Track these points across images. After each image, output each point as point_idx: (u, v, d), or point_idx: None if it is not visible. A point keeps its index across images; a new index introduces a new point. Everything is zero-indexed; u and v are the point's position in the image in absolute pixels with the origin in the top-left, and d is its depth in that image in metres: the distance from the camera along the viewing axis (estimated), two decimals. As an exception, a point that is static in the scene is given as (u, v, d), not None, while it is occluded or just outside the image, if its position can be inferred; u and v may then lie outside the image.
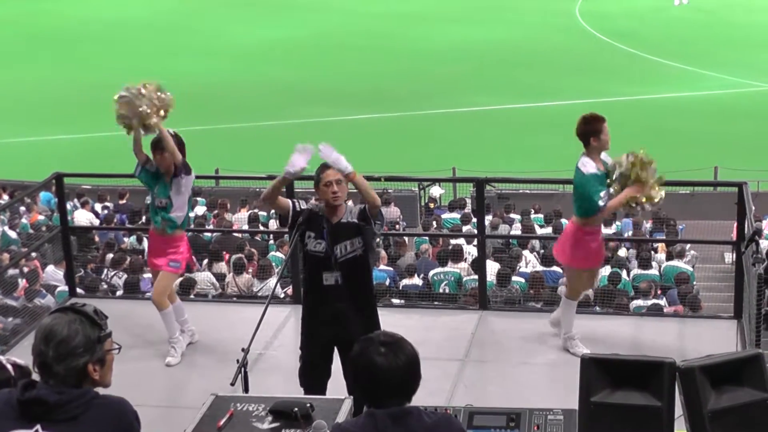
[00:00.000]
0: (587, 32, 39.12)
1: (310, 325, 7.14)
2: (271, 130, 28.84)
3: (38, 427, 3.74)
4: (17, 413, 3.77)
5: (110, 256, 15.07)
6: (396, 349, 4.03)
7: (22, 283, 13.32)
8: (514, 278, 13.63)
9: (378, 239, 7.08)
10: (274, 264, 14.44)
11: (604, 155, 8.38)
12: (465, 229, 16.61)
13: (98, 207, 19.06)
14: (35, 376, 3.90)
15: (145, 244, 16.10)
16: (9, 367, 4.50)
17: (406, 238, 16.17)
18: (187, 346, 9.06)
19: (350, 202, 7.34)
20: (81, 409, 3.76)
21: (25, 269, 14.03)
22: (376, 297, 11.96)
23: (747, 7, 41.29)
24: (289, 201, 7.14)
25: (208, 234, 16.51)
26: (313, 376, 7.10)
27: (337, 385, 7.02)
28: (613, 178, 8.23)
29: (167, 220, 8.80)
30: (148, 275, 13.52)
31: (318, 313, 7.09)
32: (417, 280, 14.02)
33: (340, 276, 6.95)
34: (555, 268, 14.47)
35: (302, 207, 7.05)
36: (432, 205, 20.82)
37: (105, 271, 14.47)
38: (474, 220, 14.77)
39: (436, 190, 21.77)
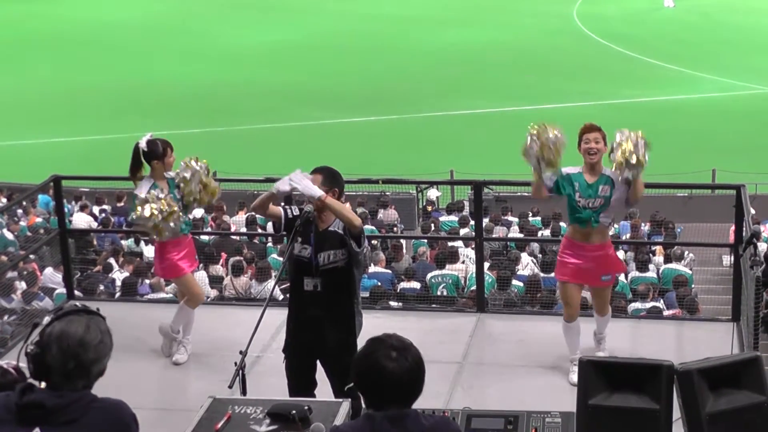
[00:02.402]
0: (585, 35, 39.16)
1: (289, 328, 7.17)
2: (269, 133, 28.87)
3: (37, 430, 3.75)
4: (15, 417, 3.77)
5: (111, 261, 15.06)
6: (406, 354, 4.03)
7: (21, 285, 13.32)
8: (513, 281, 13.63)
9: (364, 254, 7.04)
10: (272, 266, 14.45)
11: (608, 170, 8.22)
12: (463, 231, 16.62)
13: (96, 210, 19.07)
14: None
15: (143, 246, 16.13)
16: (12, 371, 4.49)
17: (403, 242, 16.16)
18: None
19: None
20: (80, 412, 3.77)
21: (24, 272, 14.03)
22: (375, 300, 12.07)
23: (742, 10, 41.34)
24: (280, 209, 7.10)
25: (206, 237, 16.51)
26: (296, 387, 7.09)
27: (329, 388, 7.05)
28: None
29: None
30: (147, 280, 13.54)
31: (297, 317, 7.10)
32: (415, 284, 14.01)
33: (320, 283, 6.93)
34: (553, 275, 14.47)
35: (294, 213, 7.03)
36: (430, 208, 20.82)
37: (112, 270, 14.48)
38: (472, 222, 14.78)
39: (433, 193, 21.78)
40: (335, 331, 6.98)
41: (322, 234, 6.96)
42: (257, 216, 17.55)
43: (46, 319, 3.86)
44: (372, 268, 14.25)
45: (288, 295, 7.45)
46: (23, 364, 4.49)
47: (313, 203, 6.85)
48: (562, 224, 17.68)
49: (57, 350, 3.78)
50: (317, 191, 6.77)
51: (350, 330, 7.04)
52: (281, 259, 14.81)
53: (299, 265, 7.02)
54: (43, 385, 3.83)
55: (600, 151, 8.09)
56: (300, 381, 7.11)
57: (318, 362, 7.16)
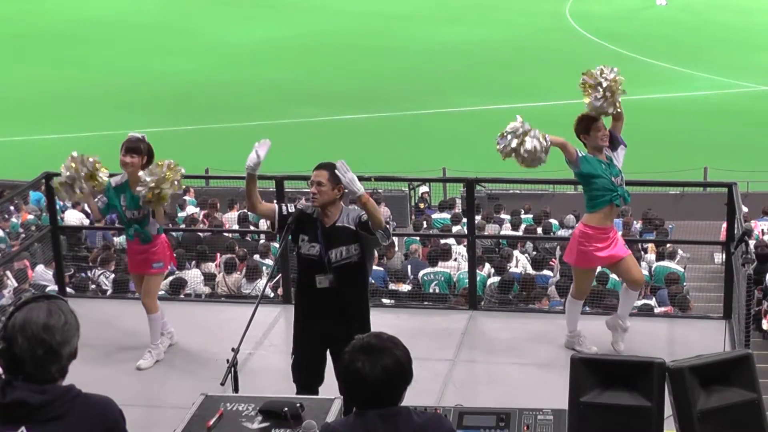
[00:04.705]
0: (577, 33, 39.18)
1: (302, 326, 7.11)
2: (262, 130, 28.75)
3: (23, 428, 3.71)
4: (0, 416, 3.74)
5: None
6: (376, 358, 4.00)
7: (12, 282, 13.28)
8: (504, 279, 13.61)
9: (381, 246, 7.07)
10: (259, 265, 14.41)
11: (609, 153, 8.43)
12: (455, 229, 16.61)
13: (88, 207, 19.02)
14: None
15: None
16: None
17: (395, 239, 16.14)
18: (168, 347, 9.00)
19: (352, 206, 7.22)
20: (65, 408, 3.73)
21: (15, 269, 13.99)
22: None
23: (734, 9, 41.40)
24: (275, 206, 7.05)
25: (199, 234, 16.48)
26: (305, 378, 7.08)
27: (328, 384, 7.04)
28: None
29: (141, 233, 8.63)
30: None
31: (311, 315, 7.04)
32: (406, 287, 13.93)
33: (333, 279, 6.89)
34: (546, 272, 14.48)
35: (290, 210, 6.99)
36: (422, 206, 20.82)
37: (93, 270, 14.43)
38: (464, 220, 14.77)
39: (422, 189, 21.75)
40: (350, 325, 6.88)
41: (331, 230, 6.90)
42: (249, 213, 17.54)
43: (8, 313, 3.83)
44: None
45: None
46: None
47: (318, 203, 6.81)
48: (553, 221, 17.71)
49: (23, 340, 3.73)
50: (361, 188, 6.69)
51: (365, 323, 7.03)
52: (267, 261, 14.74)
53: (308, 264, 6.95)
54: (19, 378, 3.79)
55: (608, 137, 8.46)
56: (309, 366, 7.07)
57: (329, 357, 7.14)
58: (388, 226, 6.90)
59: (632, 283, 8.67)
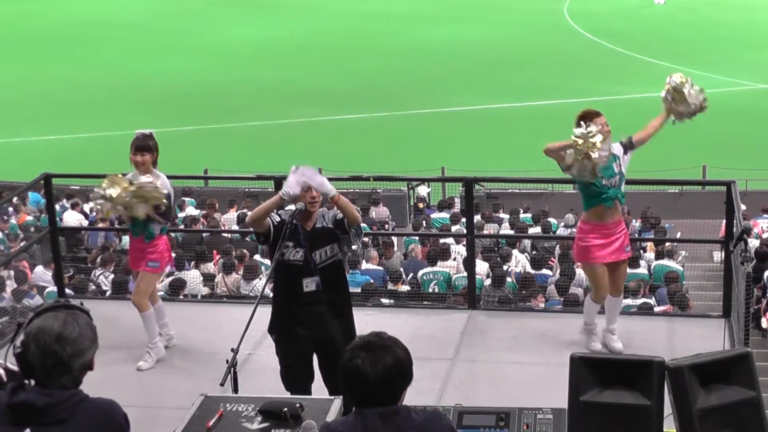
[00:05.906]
0: (575, 31, 39.20)
1: (288, 330, 7.12)
2: (260, 131, 28.85)
3: (28, 430, 3.73)
4: (7, 417, 3.75)
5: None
6: (376, 356, 4.01)
7: (11, 283, 13.28)
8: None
9: (355, 246, 7.09)
10: (260, 264, 14.41)
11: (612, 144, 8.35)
12: (454, 228, 16.62)
13: (87, 207, 19.02)
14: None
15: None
16: (2, 372, 4.45)
17: (395, 240, 16.14)
18: (165, 349, 9.00)
19: (322, 209, 7.27)
20: (70, 411, 3.75)
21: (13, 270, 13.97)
22: (367, 297, 12.08)
23: (732, 7, 41.42)
24: (268, 219, 7.04)
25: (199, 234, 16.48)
26: (297, 378, 7.10)
27: (321, 386, 7.06)
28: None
29: (145, 230, 8.66)
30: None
31: (298, 318, 7.04)
32: (405, 287, 13.93)
33: (320, 281, 6.96)
34: (545, 271, 14.47)
35: (277, 220, 6.99)
36: (421, 205, 20.83)
37: (93, 271, 14.45)
38: (463, 219, 14.79)
39: (422, 189, 21.80)
40: (338, 323, 7.01)
41: (312, 233, 6.97)
42: (249, 213, 17.52)
43: (29, 317, 3.84)
44: (364, 266, 14.24)
45: (274, 300, 7.34)
46: (12, 365, 4.47)
47: (303, 203, 6.83)
48: (552, 220, 17.72)
49: (35, 348, 3.76)
50: (333, 188, 6.83)
51: (351, 323, 7.10)
52: (267, 261, 14.75)
53: (293, 269, 6.97)
54: (32, 383, 3.81)
55: (610, 133, 8.31)
56: (299, 369, 7.10)
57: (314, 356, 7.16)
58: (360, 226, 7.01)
59: (616, 291, 8.64)
